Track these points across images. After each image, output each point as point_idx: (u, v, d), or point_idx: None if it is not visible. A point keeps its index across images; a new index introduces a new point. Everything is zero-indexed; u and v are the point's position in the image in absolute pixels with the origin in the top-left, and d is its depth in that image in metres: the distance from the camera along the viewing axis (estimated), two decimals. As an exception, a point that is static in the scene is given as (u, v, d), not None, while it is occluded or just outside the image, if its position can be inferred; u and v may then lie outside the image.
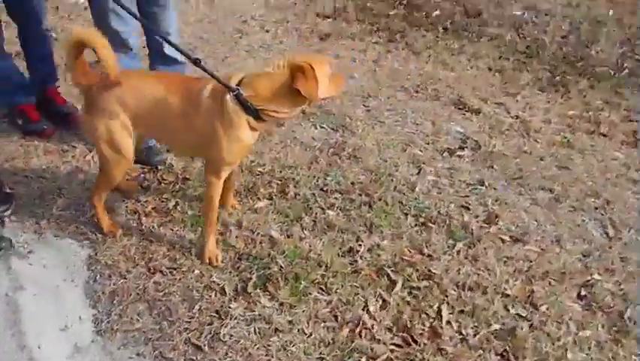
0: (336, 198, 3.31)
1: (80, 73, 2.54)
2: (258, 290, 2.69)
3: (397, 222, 3.15)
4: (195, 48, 4.96)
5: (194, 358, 2.39)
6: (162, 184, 3.30)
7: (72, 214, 3.03)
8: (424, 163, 3.71)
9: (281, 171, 3.48)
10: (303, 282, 2.72)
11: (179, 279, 2.72)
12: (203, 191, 2.76)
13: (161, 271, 2.74)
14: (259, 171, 3.47)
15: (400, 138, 3.98)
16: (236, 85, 2.41)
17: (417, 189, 3.44)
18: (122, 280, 2.69)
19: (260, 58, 5.00)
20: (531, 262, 2.97)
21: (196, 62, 2.49)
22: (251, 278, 2.74)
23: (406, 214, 3.23)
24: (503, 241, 3.11)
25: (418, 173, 3.61)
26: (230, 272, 2.78)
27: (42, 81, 3.65)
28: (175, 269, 2.76)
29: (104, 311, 2.55)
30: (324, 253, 2.89)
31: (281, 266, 2.80)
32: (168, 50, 3.25)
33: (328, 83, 2.41)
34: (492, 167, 3.75)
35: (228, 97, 2.41)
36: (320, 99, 2.46)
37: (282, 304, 2.63)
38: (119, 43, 3.01)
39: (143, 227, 2.98)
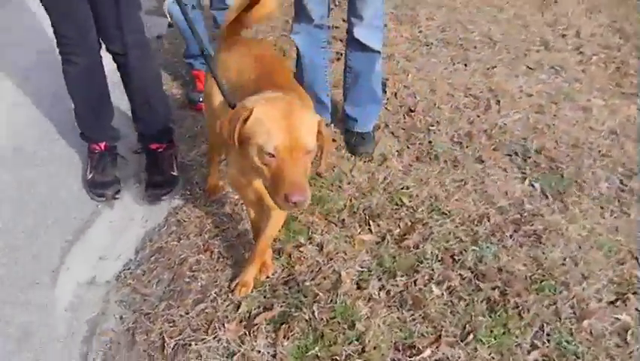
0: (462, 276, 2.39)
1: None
2: (267, 326, 2.18)
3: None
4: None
5: (152, 355, 2.11)
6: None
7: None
8: None
9: (420, 218, 2.70)
10: (320, 351, 2.07)
11: (214, 271, 2.42)
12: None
13: (211, 254, 2.49)
14: (399, 202, 2.78)
15: None
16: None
17: None
18: (174, 242, 2.56)
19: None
20: None
21: (204, 56, 2.09)
22: (271, 309, 2.24)
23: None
24: None
25: None
26: (261, 292, 2.33)
27: None
28: (220, 260, 2.47)
29: (139, 261, 2.49)
30: (380, 335, 2.13)
31: (313, 317, 2.20)
32: (357, 33, 2.83)
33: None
34: None
35: None
36: None
37: (274, 356, 2.07)
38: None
39: (237, 209, 2.74)
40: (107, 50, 2.54)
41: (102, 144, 2.80)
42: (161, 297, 2.33)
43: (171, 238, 2.59)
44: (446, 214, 2.70)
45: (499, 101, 3.54)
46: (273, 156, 1.66)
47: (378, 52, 2.93)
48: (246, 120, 1.72)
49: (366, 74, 2.98)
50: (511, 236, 2.57)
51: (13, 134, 3.13)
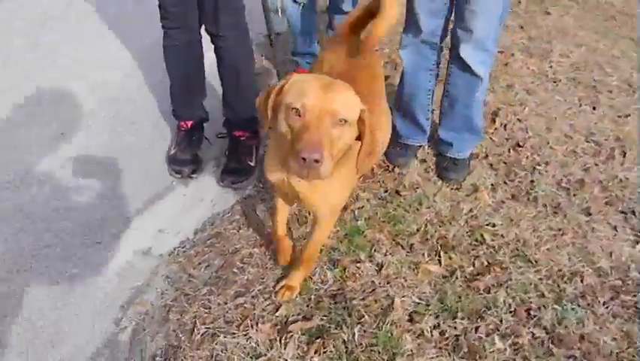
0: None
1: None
2: (301, 336, 2.01)
3: None
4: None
5: (175, 344, 2.03)
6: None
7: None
8: None
9: (500, 261, 2.39)
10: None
11: (264, 267, 2.31)
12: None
13: (265, 250, 2.39)
14: (480, 238, 2.48)
15: None
16: None
17: None
18: (234, 230, 2.49)
19: None
20: None
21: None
22: (310, 320, 2.07)
23: None
24: None
25: None
26: (305, 299, 2.17)
27: None
28: (271, 259, 2.35)
29: (195, 241, 2.45)
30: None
31: (352, 339, 2.00)
32: (463, 51, 2.56)
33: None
34: None
35: None
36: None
37: (300, 370, 1.91)
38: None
39: (304, 212, 2.61)
40: (205, 30, 2.56)
41: (189, 123, 2.82)
42: (205, 281, 2.26)
43: (232, 226, 2.52)
44: (532, 263, 2.36)
45: (624, 153, 3.09)
46: (300, 114, 1.53)
47: (482, 78, 2.63)
48: (282, 88, 1.62)
49: (464, 101, 2.70)
50: (604, 303, 2.19)
51: (124, 99, 3.28)
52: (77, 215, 2.54)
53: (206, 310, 2.13)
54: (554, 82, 3.79)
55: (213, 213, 2.61)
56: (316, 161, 1.46)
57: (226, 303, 2.15)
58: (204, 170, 2.85)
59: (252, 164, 2.77)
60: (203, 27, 2.57)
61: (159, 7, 2.48)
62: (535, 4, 4.91)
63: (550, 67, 3.99)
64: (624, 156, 3.07)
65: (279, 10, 3.29)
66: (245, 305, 2.15)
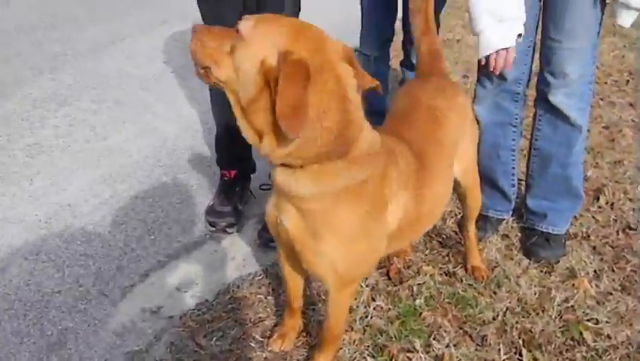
0: None
1: None
2: None
3: None
4: None
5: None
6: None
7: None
8: None
9: None
10: None
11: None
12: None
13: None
14: (578, 337, 1.86)
15: None
16: None
17: None
18: (262, 295, 2.07)
19: None
20: None
21: None
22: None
23: None
24: None
25: None
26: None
27: None
28: (300, 335, 1.88)
29: (214, 305, 2.05)
30: None
31: None
32: (554, 97, 2.09)
33: None
34: None
35: None
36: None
37: None
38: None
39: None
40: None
41: (233, 172, 2.50)
42: (214, 355, 1.82)
43: (260, 291, 2.10)
44: (652, 378, 1.71)
45: None
46: None
47: (581, 128, 2.14)
48: None
49: (560, 159, 2.19)
50: None
51: (169, 154, 3.06)
52: (93, 262, 2.24)
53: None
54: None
55: (242, 275, 2.20)
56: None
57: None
58: (245, 225, 2.48)
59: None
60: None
61: None
62: (647, 82, 4.34)
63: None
64: None
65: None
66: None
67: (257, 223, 2.50)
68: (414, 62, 2.88)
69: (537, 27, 2.09)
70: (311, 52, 1.23)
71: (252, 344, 1.85)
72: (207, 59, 1.33)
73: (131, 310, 2.03)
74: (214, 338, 1.88)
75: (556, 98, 2.08)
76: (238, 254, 2.32)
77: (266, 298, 2.06)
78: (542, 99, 2.15)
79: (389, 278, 2.14)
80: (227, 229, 2.40)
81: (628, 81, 4.39)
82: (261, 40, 1.24)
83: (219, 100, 2.36)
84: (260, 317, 1.97)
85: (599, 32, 2.04)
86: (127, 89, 3.85)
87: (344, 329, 1.71)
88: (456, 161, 1.81)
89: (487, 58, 1.95)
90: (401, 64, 3.00)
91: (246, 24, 1.27)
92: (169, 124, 3.36)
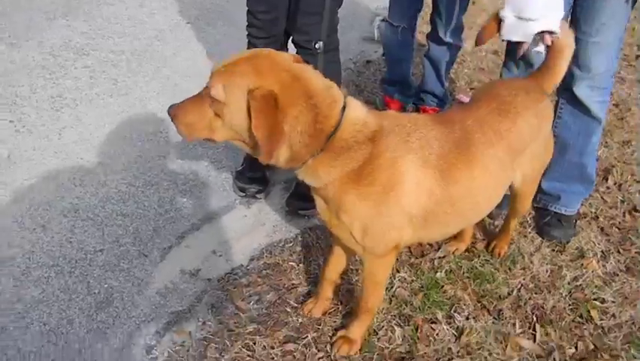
0: None
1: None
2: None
3: None
4: None
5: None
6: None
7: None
8: None
9: (610, 347, 1.94)
10: None
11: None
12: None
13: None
14: (586, 315, 2.03)
15: None
16: None
17: None
18: (293, 262, 2.20)
19: None
20: None
21: None
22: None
23: None
24: None
25: None
26: (367, 358, 1.82)
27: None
28: (332, 301, 2.02)
29: (248, 269, 2.17)
30: None
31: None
32: (579, 90, 2.17)
33: None
34: None
35: None
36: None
37: None
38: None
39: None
40: (294, 41, 2.32)
41: (262, 139, 2.57)
42: (253, 317, 1.96)
43: (292, 258, 2.22)
44: (651, 355, 1.90)
45: None
46: None
47: (600, 120, 2.25)
48: None
49: (579, 148, 2.30)
50: None
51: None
52: (130, 222, 2.34)
53: (249, 353, 1.82)
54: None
55: (273, 241, 2.32)
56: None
57: (272, 348, 1.84)
58: (271, 192, 2.59)
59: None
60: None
61: (248, 13, 2.29)
62: (655, 59, 4.40)
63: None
64: None
65: (375, 32, 3.04)
66: (294, 354, 1.82)
67: (283, 190, 2.60)
68: (441, 35, 2.93)
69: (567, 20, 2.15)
70: (271, 78, 1.38)
71: (288, 309, 1.99)
72: (202, 133, 1.50)
73: (171, 271, 2.15)
74: (251, 302, 2.02)
75: (580, 90, 2.17)
76: (267, 220, 2.43)
77: (297, 265, 2.19)
78: (566, 90, 2.23)
79: (411, 251, 2.28)
80: (257, 195, 2.51)
81: (638, 56, 4.45)
82: (235, 94, 1.39)
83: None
84: (293, 284, 2.10)
85: (625, 26, 2.11)
86: (143, 40, 3.83)
87: (378, 303, 1.85)
88: (517, 164, 1.79)
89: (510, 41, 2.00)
90: (427, 37, 3.03)
91: (217, 89, 1.40)
92: (189, 81, 3.38)
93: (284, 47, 2.39)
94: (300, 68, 1.45)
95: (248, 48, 2.39)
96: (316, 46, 2.22)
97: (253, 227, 2.40)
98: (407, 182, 1.51)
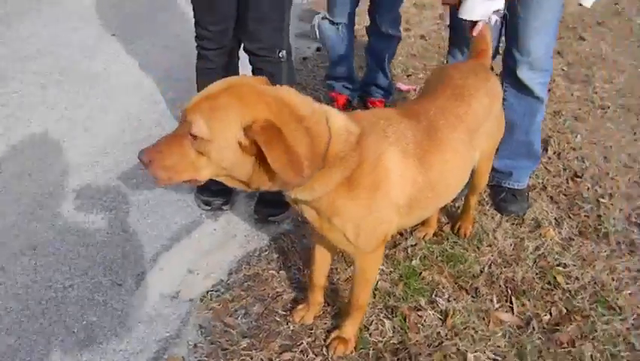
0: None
1: None
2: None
3: None
4: None
5: None
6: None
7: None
8: None
9: (580, 308, 2.09)
10: None
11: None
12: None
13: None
14: (553, 281, 2.18)
15: None
16: None
17: None
18: (273, 271, 2.20)
19: None
20: None
21: None
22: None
23: None
24: None
25: None
26: (363, 355, 1.86)
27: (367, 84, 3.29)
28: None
29: (229, 284, 2.15)
30: None
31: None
32: (522, 72, 2.30)
33: None
34: None
35: None
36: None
37: None
38: None
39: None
40: (246, 49, 2.30)
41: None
42: (244, 332, 1.95)
43: (270, 267, 2.23)
44: (615, 310, 2.07)
45: (694, 186, 2.83)
46: None
47: (543, 100, 2.40)
48: None
49: (524, 127, 2.44)
50: None
51: (138, 129, 3.01)
52: (95, 252, 2.25)
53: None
54: (602, 108, 3.55)
55: (248, 251, 2.31)
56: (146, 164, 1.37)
57: (271, 359, 1.84)
58: (235, 201, 2.56)
59: None
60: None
61: (196, 25, 2.24)
62: (568, 30, 4.71)
63: (595, 93, 3.75)
64: (692, 189, 2.80)
65: (315, 31, 3.06)
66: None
67: (247, 198, 2.59)
68: (381, 28, 3.00)
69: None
70: (260, 107, 1.33)
71: (277, 319, 2.00)
72: (183, 175, 1.38)
73: (149, 298, 2.09)
74: (239, 317, 2.01)
75: (523, 73, 2.30)
76: (238, 231, 2.42)
77: (278, 273, 2.19)
78: (509, 74, 2.36)
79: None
80: (223, 207, 2.48)
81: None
82: (221, 130, 1.31)
83: (208, 80, 2.36)
84: (277, 292, 2.11)
85: (562, 9, 2.26)
86: (69, 57, 3.66)
87: (368, 299, 1.90)
88: (476, 143, 1.86)
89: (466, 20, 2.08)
90: (367, 30, 3.09)
91: (199, 127, 1.31)
92: (130, 95, 3.28)
93: (235, 56, 2.36)
94: (279, 90, 1.42)
95: (198, 60, 2.35)
96: (280, 55, 2.21)
97: (225, 240, 2.37)
98: (393, 175, 1.56)
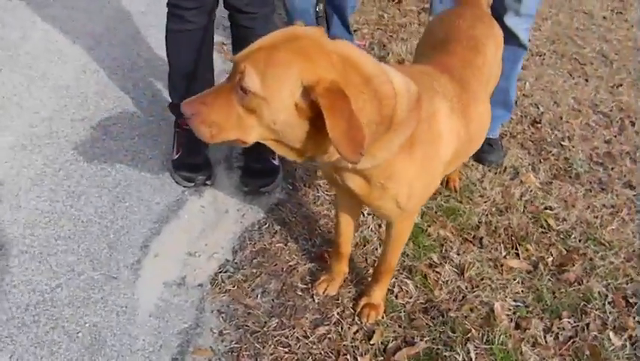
0: None
1: None
2: (410, 365, 1.69)
3: None
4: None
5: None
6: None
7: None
8: None
9: (576, 247, 2.22)
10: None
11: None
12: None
13: (326, 264, 2.00)
14: (545, 225, 2.29)
15: None
16: None
17: None
18: (280, 244, 2.09)
19: None
20: None
21: None
22: (413, 344, 1.75)
23: None
24: None
25: None
26: (395, 319, 1.84)
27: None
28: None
29: (237, 263, 2.01)
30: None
31: (467, 359, 1.71)
32: (509, 20, 2.33)
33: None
34: None
35: None
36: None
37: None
38: None
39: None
40: (229, 5, 2.09)
41: (194, 119, 2.33)
42: (269, 312, 1.85)
43: (276, 240, 2.11)
44: (605, 245, 2.21)
45: (633, 123, 3.07)
46: None
47: (526, 47, 2.46)
48: None
49: (505, 72, 2.45)
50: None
51: (82, 103, 2.67)
52: (76, 245, 1.99)
53: (285, 349, 1.72)
54: (539, 55, 3.73)
55: (246, 227, 2.17)
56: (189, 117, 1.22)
57: (306, 336, 1.76)
58: (216, 174, 2.38)
59: (276, 162, 2.36)
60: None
61: None
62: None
63: (529, 41, 3.91)
64: (634, 126, 3.05)
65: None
66: (330, 336, 1.77)
67: (226, 170, 2.42)
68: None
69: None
70: (324, 64, 1.17)
71: (299, 293, 1.91)
72: (230, 134, 1.23)
73: (153, 287, 1.90)
74: (258, 296, 1.90)
75: (509, 19, 2.33)
76: (229, 207, 2.25)
77: (286, 245, 2.09)
78: (496, 19, 2.37)
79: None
80: (207, 182, 2.29)
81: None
82: (279, 88, 1.15)
83: (184, 42, 2.16)
84: (291, 265, 2.01)
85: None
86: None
87: (397, 261, 1.86)
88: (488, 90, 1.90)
89: None
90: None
91: (252, 81, 1.15)
92: (52, 65, 2.90)
93: (214, 14, 2.14)
94: (340, 45, 1.25)
95: (170, 21, 2.12)
96: (251, 10, 2.04)
97: (217, 217, 2.20)
98: (444, 132, 1.51)
